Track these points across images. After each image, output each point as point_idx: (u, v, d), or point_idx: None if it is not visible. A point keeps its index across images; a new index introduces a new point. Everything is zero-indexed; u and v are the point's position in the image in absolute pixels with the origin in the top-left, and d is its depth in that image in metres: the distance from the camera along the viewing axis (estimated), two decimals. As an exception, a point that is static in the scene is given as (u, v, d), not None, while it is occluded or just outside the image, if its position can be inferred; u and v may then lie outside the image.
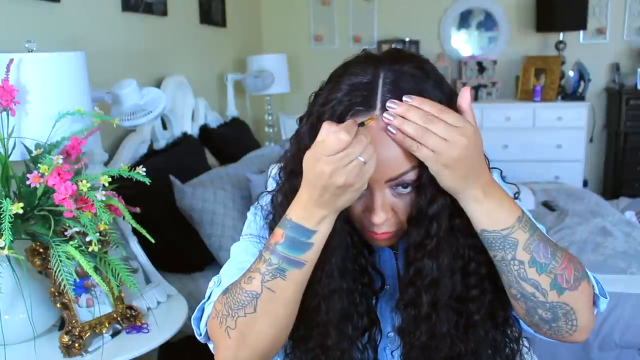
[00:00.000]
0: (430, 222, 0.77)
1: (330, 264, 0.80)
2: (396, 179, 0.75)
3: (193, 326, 0.88)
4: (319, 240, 0.74)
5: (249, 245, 0.91)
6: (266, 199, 0.92)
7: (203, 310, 0.88)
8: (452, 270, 0.79)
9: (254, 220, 0.93)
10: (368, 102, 0.74)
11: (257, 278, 0.76)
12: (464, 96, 0.75)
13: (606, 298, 0.83)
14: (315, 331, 0.85)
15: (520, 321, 0.86)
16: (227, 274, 0.88)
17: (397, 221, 0.79)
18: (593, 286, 0.81)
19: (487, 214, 0.73)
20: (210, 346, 0.86)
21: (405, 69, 0.75)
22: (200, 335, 0.87)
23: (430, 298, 0.79)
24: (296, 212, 0.73)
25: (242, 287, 0.77)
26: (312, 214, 0.72)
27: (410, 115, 0.71)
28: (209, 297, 0.88)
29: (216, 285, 0.89)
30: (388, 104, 0.72)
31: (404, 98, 0.72)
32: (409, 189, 0.76)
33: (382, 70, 0.75)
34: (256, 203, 0.95)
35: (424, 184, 0.75)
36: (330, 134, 0.67)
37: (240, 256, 0.91)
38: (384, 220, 0.77)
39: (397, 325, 0.87)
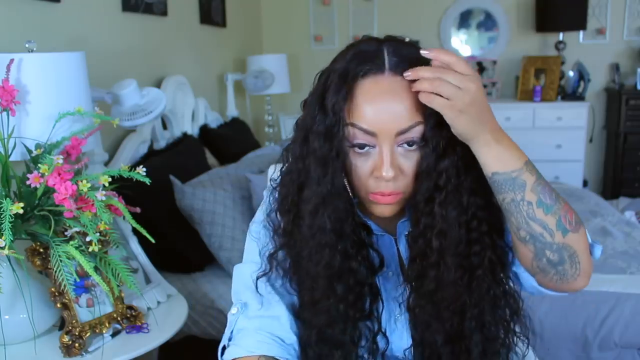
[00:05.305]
0: (440, 175, 0.82)
1: (323, 217, 0.84)
2: (405, 132, 0.79)
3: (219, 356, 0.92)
4: None
5: (252, 265, 0.95)
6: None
7: (229, 339, 0.92)
8: (458, 223, 0.83)
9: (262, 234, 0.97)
10: (375, 63, 0.80)
11: None
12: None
13: (599, 245, 0.88)
14: (305, 284, 0.90)
15: (522, 277, 0.90)
16: (246, 296, 0.93)
17: (403, 182, 0.83)
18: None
19: (498, 156, 0.78)
20: None
21: (404, 44, 0.84)
22: None
23: (439, 245, 0.84)
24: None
25: None
26: None
27: (421, 73, 0.76)
28: (233, 324, 0.92)
29: (241, 312, 0.92)
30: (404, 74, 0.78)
31: (421, 51, 0.77)
32: (414, 147, 0.81)
33: (384, 44, 0.83)
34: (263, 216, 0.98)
35: (431, 141, 0.80)
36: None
37: (244, 275, 0.95)
38: (392, 175, 0.81)
39: (407, 275, 0.91)
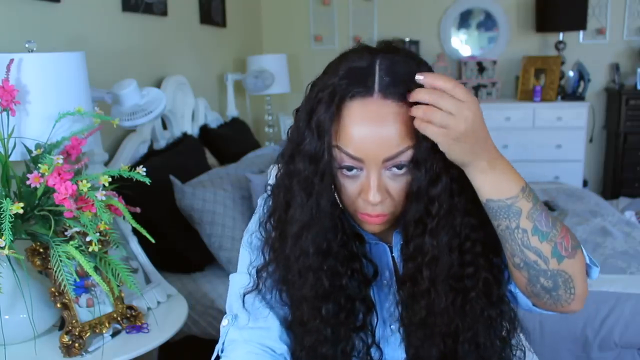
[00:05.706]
0: (432, 201, 0.79)
1: (306, 241, 0.82)
2: (393, 158, 0.77)
3: None
4: None
5: (245, 276, 0.94)
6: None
7: (221, 350, 0.91)
8: (450, 247, 0.81)
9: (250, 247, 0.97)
10: (365, 84, 0.76)
11: None
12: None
13: (597, 267, 0.86)
14: (293, 308, 0.89)
15: (518, 296, 0.88)
16: (237, 307, 0.92)
17: (391, 204, 0.81)
18: (585, 256, 0.84)
19: (493, 183, 0.76)
20: None
21: (399, 57, 0.79)
22: None
23: (430, 274, 0.81)
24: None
25: None
26: None
27: (419, 96, 0.72)
28: (224, 336, 0.91)
29: (231, 324, 0.91)
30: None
31: (416, 76, 0.73)
32: (403, 170, 0.79)
33: (377, 58, 0.78)
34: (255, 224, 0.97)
35: (423, 163, 0.77)
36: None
37: (237, 286, 0.94)
38: (379, 200, 0.78)
39: (397, 300, 0.89)
